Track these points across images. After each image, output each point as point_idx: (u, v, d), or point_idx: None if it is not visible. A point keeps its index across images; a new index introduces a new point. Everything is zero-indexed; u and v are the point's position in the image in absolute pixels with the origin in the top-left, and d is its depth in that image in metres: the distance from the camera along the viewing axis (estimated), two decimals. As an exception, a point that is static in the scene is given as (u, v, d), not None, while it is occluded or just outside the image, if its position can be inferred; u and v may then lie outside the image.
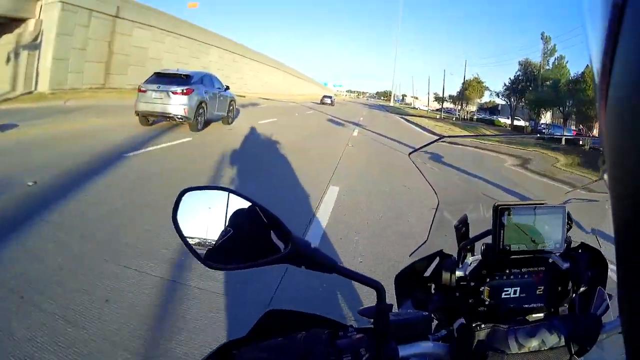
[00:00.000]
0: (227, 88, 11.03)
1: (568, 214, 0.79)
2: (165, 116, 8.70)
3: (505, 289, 0.79)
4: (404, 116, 36.30)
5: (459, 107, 57.40)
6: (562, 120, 37.68)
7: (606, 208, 0.98)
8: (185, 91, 8.60)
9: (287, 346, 0.56)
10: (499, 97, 46.06)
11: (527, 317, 0.80)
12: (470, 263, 0.83)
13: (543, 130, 34.96)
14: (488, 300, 0.78)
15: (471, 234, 0.87)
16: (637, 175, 0.20)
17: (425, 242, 0.90)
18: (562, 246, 0.78)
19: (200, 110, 9.06)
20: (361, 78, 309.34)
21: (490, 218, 0.77)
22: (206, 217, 0.57)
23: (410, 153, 0.88)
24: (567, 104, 31.33)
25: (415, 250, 0.88)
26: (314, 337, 0.58)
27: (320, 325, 0.61)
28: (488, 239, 0.78)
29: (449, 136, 0.96)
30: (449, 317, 0.77)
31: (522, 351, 0.68)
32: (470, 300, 0.78)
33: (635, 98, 0.19)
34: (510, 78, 43.23)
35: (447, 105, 67.21)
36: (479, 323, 0.75)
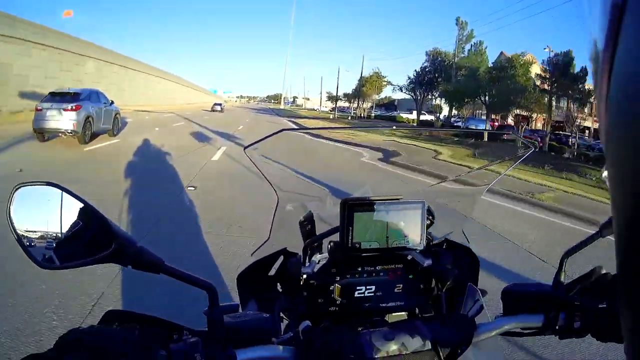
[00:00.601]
0: (112, 102, 12.52)
1: (428, 209, 0.77)
2: (58, 132, 10.03)
3: (358, 288, 0.77)
4: (292, 119, 34.41)
5: (355, 104, 54.63)
6: (481, 111, 35.23)
7: (474, 202, 1.00)
8: (74, 108, 10.06)
9: (121, 347, 0.50)
10: (402, 91, 42.51)
11: (386, 318, 0.77)
12: (319, 261, 0.81)
13: (457, 124, 33.19)
14: (339, 299, 0.76)
15: (318, 231, 0.85)
16: (638, 175, 0.20)
17: (267, 239, 0.84)
18: (422, 243, 0.75)
19: (87, 125, 10.56)
20: (252, 82, 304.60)
21: (337, 214, 0.73)
22: (40, 214, 0.55)
23: (245, 147, 0.80)
24: (491, 92, 27.97)
25: (258, 249, 0.83)
26: (147, 340, 0.53)
27: (156, 327, 0.57)
28: (337, 236, 0.75)
29: (290, 129, 1.43)
30: (299, 318, 0.73)
31: (378, 356, 0.61)
32: (319, 300, 0.75)
33: (635, 98, 0.19)
34: (415, 70, 40.12)
35: (343, 104, 65.95)
36: (328, 325, 0.73)
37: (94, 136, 11.11)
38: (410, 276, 0.80)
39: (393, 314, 0.80)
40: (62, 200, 0.55)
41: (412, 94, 40.87)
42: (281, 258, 0.81)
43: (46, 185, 0.56)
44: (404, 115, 47.01)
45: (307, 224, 0.86)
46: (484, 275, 0.81)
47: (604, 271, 0.69)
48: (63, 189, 0.55)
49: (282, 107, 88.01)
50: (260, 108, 77.05)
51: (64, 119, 9.91)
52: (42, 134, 10.11)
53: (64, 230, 0.55)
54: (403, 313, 0.81)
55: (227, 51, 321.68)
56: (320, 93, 72.75)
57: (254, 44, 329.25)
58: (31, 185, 0.56)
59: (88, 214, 0.55)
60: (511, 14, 62.86)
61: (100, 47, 29.34)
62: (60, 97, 10.37)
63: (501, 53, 35.58)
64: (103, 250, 0.53)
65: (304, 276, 0.77)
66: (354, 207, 0.73)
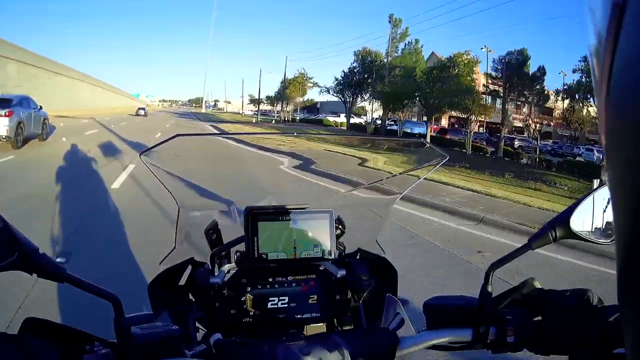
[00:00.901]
0: (41, 108, 12.20)
1: (339, 218, 0.77)
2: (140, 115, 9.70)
3: (271, 299, 0.75)
4: (213, 123, 33.14)
5: (277, 107, 52.68)
6: (417, 114, 34.09)
7: (388, 210, 0.96)
8: (6, 114, 9.83)
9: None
10: (329, 93, 39.40)
11: (305, 331, 0.77)
12: (228, 271, 0.79)
13: (389, 128, 31.29)
14: (252, 310, 0.74)
15: (225, 240, 0.83)
16: (638, 174, 0.20)
17: (174, 248, 0.83)
18: (334, 253, 0.75)
19: (19, 130, 10.36)
20: (174, 86, 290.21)
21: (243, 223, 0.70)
22: None
23: (141, 153, 0.78)
24: (431, 94, 25.65)
25: (165, 258, 0.81)
26: (61, 351, 0.53)
27: (70, 337, 0.57)
28: (243, 246, 0.74)
29: (186, 134, 0.89)
30: (213, 329, 0.72)
31: None
32: (232, 311, 0.74)
33: (636, 98, 0.19)
34: (343, 71, 37.62)
35: (265, 107, 63.97)
36: (242, 338, 0.70)
37: (25, 141, 10.85)
38: (324, 287, 0.78)
39: (311, 325, 0.79)
40: None
41: (340, 96, 38.44)
42: (190, 267, 0.79)
43: None
44: (331, 119, 44.53)
45: (213, 233, 0.84)
46: (405, 283, 0.68)
47: (537, 283, 0.67)
48: None
49: (203, 110, 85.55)
50: (182, 112, 74.66)
51: (142, 112, 9.72)
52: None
53: None
54: (321, 324, 0.80)
55: (148, 54, 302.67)
56: (242, 96, 70.34)
57: (175, 46, 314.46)
58: None
59: None
60: (445, 13, 60.88)
61: (22, 48, 27.29)
62: (141, 108, 10.07)
63: (432, 53, 34.83)
64: (6, 257, 0.50)
65: (214, 286, 0.76)
66: (258, 216, 0.72)
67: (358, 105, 42.83)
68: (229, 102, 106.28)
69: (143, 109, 44.42)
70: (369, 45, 40.03)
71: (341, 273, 0.78)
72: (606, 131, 0.22)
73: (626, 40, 0.19)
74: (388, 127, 32.03)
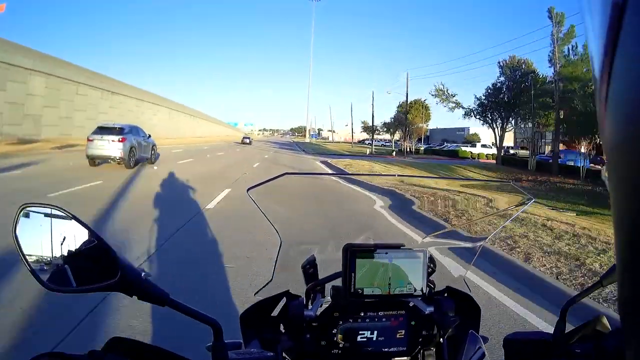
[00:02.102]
0: (149, 136, 14.60)
1: (430, 257, 0.79)
2: (108, 158, 11.98)
3: (360, 332, 0.78)
4: (322, 156, 28.43)
5: (394, 136, 47.26)
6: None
7: (476, 252, 0.99)
8: (120, 139, 12.04)
9: None
10: (472, 115, 31.46)
11: None
12: (321, 305, 0.82)
13: (567, 163, 23.53)
14: (342, 343, 0.77)
15: (320, 275, 0.86)
16: (638, 174, 0.19)
17: (270, 280, 0.87)
18: (424, 290, 0.77)
19: (131, 154, 12.50)
20: (275, 115, 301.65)
21: (340, 259, 0.75)
22: (46, 236, 0.55)
23: (248, 189, 0.83)
24: None
25: (261, 289, 0.85)
26: None
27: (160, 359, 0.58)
28: (339, 281, 0.77)
29: (293, 173, 0.96)
30: (301, 359, 0.75)
31: None
32: (322, 343, 0.77)
33: (636, 98, 0.19)
34: (489, 87, 29.98)
35: (381, 136, 58.83)
36: None
37: (136, 163, 13.03)
38: (413, 322, 0.80)
39: (396, 358, 0.81)
40: (68, 225, 0.55)
41: (482, 119, 30.89)
42: (284, 300, 0.82)
43: (51, 208, 0.56)
44: (465, 149, 38.41)
45: (310, 268, 0.87)
46: (485, 322, 0.82)
47: (604, 320, 0.69)
48: (68, 214, 0.55)
49: (307, 140, 79.39)
50: (283, 142, 72.45)
51: (112, 148, 11.88)
52: (94, 160, 12.09)
53: (69, 254, 0.54)
54: (405, 359, 0.82)
55: (247, 82, 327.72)
56: (351, 123, 61.00)
57: (275, 72, 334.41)
58: (37, 207, 0.57)
59: (93, 242, 0.55)
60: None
61: (134, 87, 33.61)
62: (107, 130, 12.38)
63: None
64: (108, 278, 0.53)
65: (307, 318, 0.78)
66: (356, 253, 0.74)
67: (471, 133, 39.08)
68: (333, 131, 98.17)
69: (248, 137, 50.65)
70: (516, 53, 30.49)
71: (429, 309, 0.80)
72: (606, 131, 0.22)
73: (626, 40, 0.19)
74: (564, 162, 23.85)
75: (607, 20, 0.20)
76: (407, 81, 39.27)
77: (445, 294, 0.85)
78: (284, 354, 0.77)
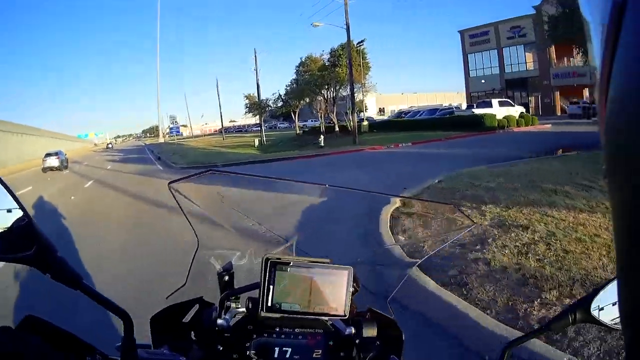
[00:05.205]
0: (65, 154, 26.19)
1: (355, 276, 0.75)
2: (52, 168, 23.22)
3: (275, 348, 0.74)
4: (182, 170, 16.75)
5: (297, 115, 30.87)
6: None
7: (404, 274, 1.07)
8: (57, 156, 23.63)
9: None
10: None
11: None
12: (235, 315, 0.79)
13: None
14: (255, 358, 0.74)
15: (237, 284, 0.82)
16: (638, 173, 0.20)
17: (184, 285, 0.84)
18: (346, 310, 0.73)
19: (62, 163, 23.91)
20: (129, 118, 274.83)
21: (259, 269, 0.70)
22: None
23: (170, 182, 0.78)
24: None
25: (173, 293, 0.82)
26: (60, 356, 0.53)
27: (72, 345, 0.57)
28: (256, 292, 0.73)
29: (220, 170, 0.92)
30: None
31: None
32: (234, 356, 0.74)
33: (636, 97, 0.19)
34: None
35: (245, 121, 49.35)
36: None
37: (63, 169, 24.32)
38: (331, 343, 0.77)
39: None
40: None
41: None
42: (197, 306, 0.79)
43: None
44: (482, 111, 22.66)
45: (225, 275, 0.83)
46: (410, 348, 0.76)
47: None
48: None
49: (161, 139, 63.75)
50: (131, 148, 58.51)
51: (53, 162, 23.32)
52: (45, 169, 23.14)
53: None
54: None
55: (88, 88, 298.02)
56: (219, 104, 49.92)
57: (119, 73, 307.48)
58: None
59: (11, 208, 0.52)
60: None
61: None
62: (49, 154, 23.74)
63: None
64: (23, 250, 0.50)
65: (219, 329, 0.76)
66: (276, 265, 0.70)
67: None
68: (185, 126, 76.41)
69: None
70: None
71: (349, 331, 0.77)
72: (606, 129, 0.22)
73: (626, 40, 0.20)
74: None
75: (607, 20, 0.20)
76: (255, 58, 29.40)
77: (367, 316, 0.80)
78: None
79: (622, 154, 0.21)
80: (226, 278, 0.84)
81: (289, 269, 0.71)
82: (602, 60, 0.21)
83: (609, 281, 0.66)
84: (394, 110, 44.92)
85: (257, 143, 27.91)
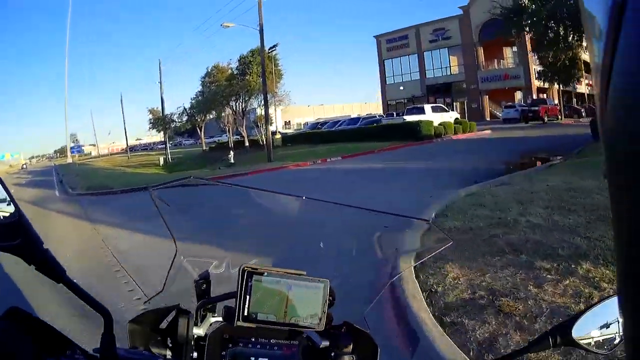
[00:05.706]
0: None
1: (331, 289, 0.75)
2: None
3: (251, 358, 0.75)
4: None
5: (202, 130, 30.79)
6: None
7: (379, 290, 0.91)
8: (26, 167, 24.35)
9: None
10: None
11: None
12: (212, 324, 0.80)
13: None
14: None
15: (213, 293, 0.82)
16: (638, 172, 0.20)
17: (162, 290, 0.85)
18: (322, 323, 0.74)
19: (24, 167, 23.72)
20: (38, 138, 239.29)
21: (236, 278, 0.71)
22: None
23: (153, 187, 0.79)
24: None
25: (151, 298, 0.83)
26: (40, 348, 0.54)
27: (52, 339, 0.58)
28: (232, 302, 0.73)
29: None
30: None
31: None
32: None
33: (635, 97, 0.19)
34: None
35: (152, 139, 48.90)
36: None
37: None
38: (306, 355, 0.76)
39: None
40: None
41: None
42: (173, 313, 0.79)
43: None
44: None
45: (203, 284, 0.83)
46: None
47: None
48: None
49: (69, 160, 53.55)
50: (43, 168, 46.43)
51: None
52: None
53: None
54: None
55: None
56: (124, 120, 46.99)
57: (25, 91, 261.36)
58: None
59: (2, 200, 0.52)
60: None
61: None
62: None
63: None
64: (9, 240, 0.51)
65: (195, 337, 0.77)
66: (253, 275, 0.72)
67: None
68: (93, 145, 68.55)
69: None
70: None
71: (324, 343, 0.75)
72: (606, 129, 0.22)
73: (626, 40, 0.20)
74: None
75: (607, 20, 0.20)
76: (159, 68, 27.77)
77: (343, 329, 0.80)
78: None
79: (623, 152, 0.21)
80: (203, 286, 0.83)
81: (264, 279, 0.72)
82: (602, 61, 0.21)
83: (591, 306, 0.69)
84: (301, 123, 43.87)
85: (162, 161, 26.74)
